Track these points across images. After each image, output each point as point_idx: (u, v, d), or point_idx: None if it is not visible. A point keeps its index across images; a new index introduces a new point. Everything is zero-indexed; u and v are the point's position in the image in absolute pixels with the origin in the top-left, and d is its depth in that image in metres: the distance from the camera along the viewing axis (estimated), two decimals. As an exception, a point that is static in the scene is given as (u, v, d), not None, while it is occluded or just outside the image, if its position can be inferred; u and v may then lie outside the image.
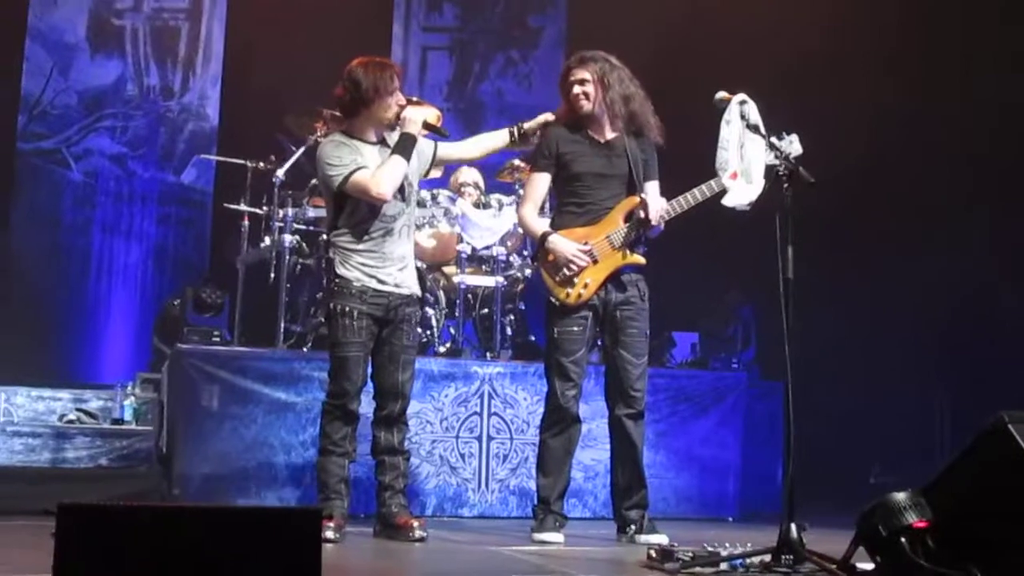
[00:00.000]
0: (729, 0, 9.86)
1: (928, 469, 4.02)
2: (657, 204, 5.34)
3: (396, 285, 5.31)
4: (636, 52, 5.85)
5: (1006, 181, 8.19)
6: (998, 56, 8.28)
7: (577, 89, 5.45)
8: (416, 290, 5.45)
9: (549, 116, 5.62)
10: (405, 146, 5.26)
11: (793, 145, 4.93)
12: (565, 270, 5.35)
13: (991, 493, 3.77)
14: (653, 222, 5.32)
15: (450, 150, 5.78)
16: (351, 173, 5.16)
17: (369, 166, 5.20)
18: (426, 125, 5.36)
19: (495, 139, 5.84)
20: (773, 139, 4.80)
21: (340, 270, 5.27)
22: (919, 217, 8.66)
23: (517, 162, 7.33)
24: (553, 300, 5.40)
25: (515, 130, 5.66)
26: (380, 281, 5.26)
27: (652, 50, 8.25)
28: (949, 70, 8.51)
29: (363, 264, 5.26)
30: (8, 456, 6.50)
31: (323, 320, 5.59)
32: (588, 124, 5.52)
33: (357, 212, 5.27)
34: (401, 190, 5.29)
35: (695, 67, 8.91)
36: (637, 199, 5.41)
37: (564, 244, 5.35)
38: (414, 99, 5.65)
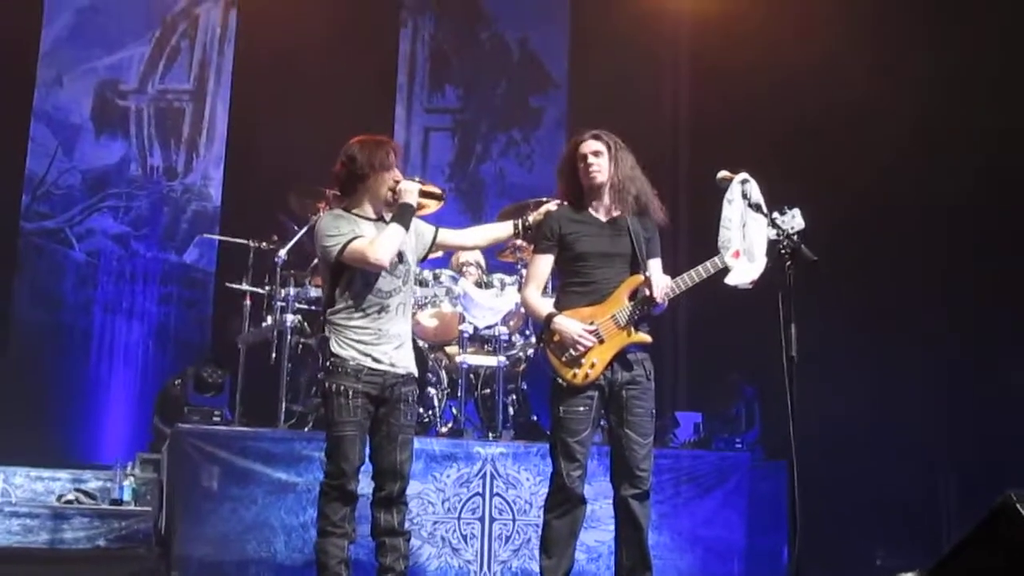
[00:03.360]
0: (726, 77, 9.97)
1: (935, 550, 3.98)
2: (661, 282, 5.33)
3: (392, 364, 5.28)
4: (636, 132, 5.88)
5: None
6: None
7: (592, 160, 5.45)
8: (413, 369, 5.42)
9: (551, 206, 5.63)
10: (403, 215, 5.27)
11: (795, 220, 4.92)
12: (572, 351, 5.32)
13: (999, 573, 3.74)
14: (658, 300, 5.31)
15: (451, 237, 5.80)
16: (349, 242, 5.18)
17: (367, 236, 5.22)
18: (422, 194, 5.40)
19: (498, 231, 5.87)
20: (775, 214, 4.80)
21: (335, 348, 5.25)
22: (922, 291, 8.63)
23: (519, 242, 7.34)
24: (560, 380, 5.37)
25: (519, 224, 5.68)
26: (375, 360, 5.24)
27: (652, 126, 8.33)
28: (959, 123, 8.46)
29: (358, 341, 5.24)
30: (6, 537, 6.46)
31: (322, 400, 5.56)
32: (591, 203, 5.53)
33: (352, 286, 5.27)
34: (397, 266, 5.30)
35: (695, 146, 8.99)
36: (641, 277, 5.39)
37: (570, 325, 5.32)
38: (417, 179, 5.67)
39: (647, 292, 5.34)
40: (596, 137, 5.51)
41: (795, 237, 4.63)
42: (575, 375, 5.32)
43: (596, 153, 5.47)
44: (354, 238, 5.19)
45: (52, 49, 10.06)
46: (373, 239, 5.20)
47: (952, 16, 8.37)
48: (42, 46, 10.00)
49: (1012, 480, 3.88)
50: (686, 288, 5.36)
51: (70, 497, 6.95)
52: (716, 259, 5.20)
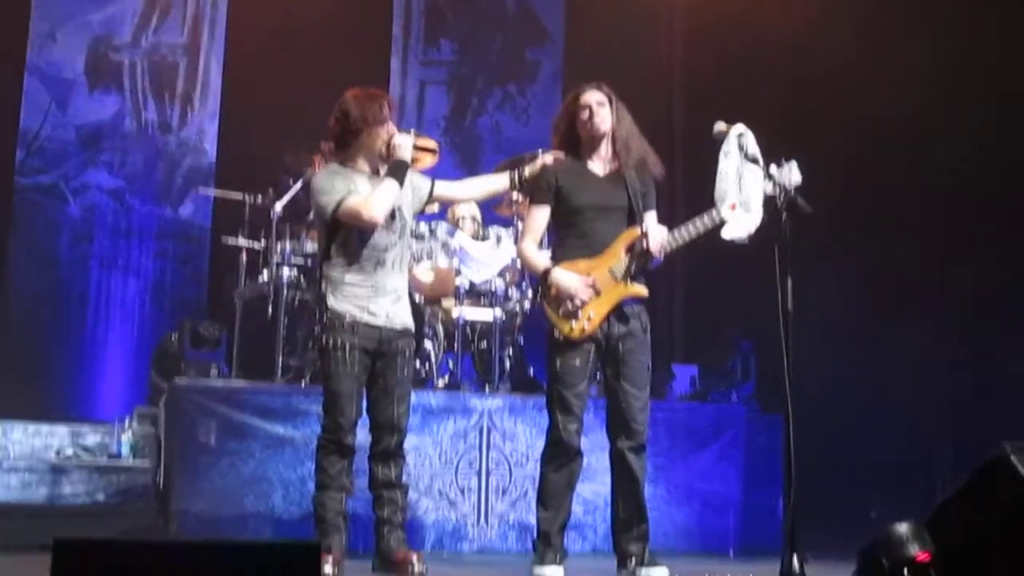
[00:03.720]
0: (722, 31, 9.92)
1: (928, 504, 4.00)
2: (658, 234, 5.32)
3: (388, 318, 5.28)
4: (632, 85, 5.86)
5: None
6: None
7: (596, 109, 5.43)
8: (409, 323, 5.42)
9: (548, 159, 5.59)
10: (397, 171, 5.25)
11: (792, 173, 4.86)
12: (569, 304, 5.32)
13: (994, 524, 3.76)
14: (655, 253, 5.31)
15: (447, 190, 5.77)
16: (343, 199, 5.16)
17: (362, 193, 5.21)
18: (416, 147, 5.39)
19: (494, 183, 5.84)
20: (772, 167, 4.78)
21: (331, 302, 5.25)
22: (928, 248, 8.63)
23: (515, 195, 7.33)
24: (557, 334, 5.37)
25: (516, 176, 5.65)
26: (371, 314, 5.24)
27: (648, 82, 8.30)
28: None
29: (354, 296, 5.24)
30: (4, 492, 6.48)
31: (319, 354, 5.57)
32: (589, 156, 5.51)
33: (348, 242, 5.26)
34: (392, 220, 5.29)
35: (690, 99, 8.96)
36: (639, 231, 5.38)
37: (568, 278, 5.32)
38: (412, 132, 5.65)
39: (644, 245, 5.33)
40: (598, 88, 5.49)
41: (791, 190, 4.60)
42: (572, 328, 5.31)
43: (599, 103, 5.45)
44: (349, 195, 5.18)
45: (44, 3, 10.00)
46: (367, 196, 5.18)
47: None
48: (34, 0, 9.93)
49: (1007, 436, 3.89)
50: (684, 242, 5.34)
51: (68, 452, 6.97)
52: (713, 212, 5.18)
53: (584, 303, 5.28)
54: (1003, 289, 8.06)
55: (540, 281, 5.47)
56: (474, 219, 7.76)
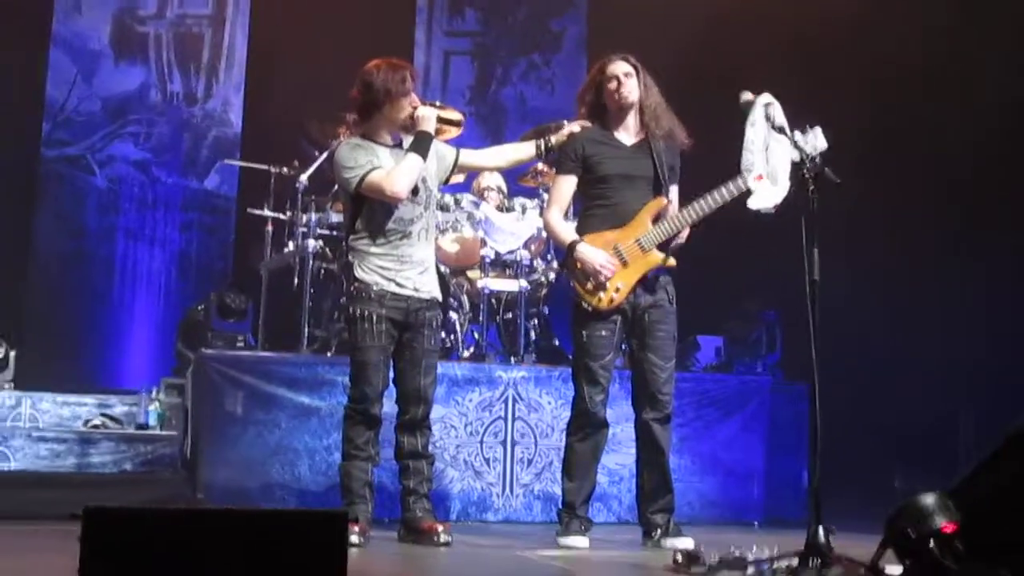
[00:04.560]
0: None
1: (951, 476, 3.98)
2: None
3: (415, 289, 5.29)
4: (657, 54, 5.83)
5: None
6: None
7: (624, 80, 5.41)
8: (436, 294, 5.43)
9: (575, 127, 5.57)
10: (421, 144, 5.23)
11: (818, 139, 4.76)
12: (592, 281, 5.31)
13: (1019, 497, 3.75)
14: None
15: (473, 158, 5.77)
16: (367, 174, 5.16)
17: (385, 167, 5.20)
18: (440, 119, 5.37)
19: (520, 151, 5.83)
20: (796, 134, 4.72)
21: (358, 273, 5.26)
22: (955, 222, 8.58)
23: (541, 166, 7.31)
24: (584, 305, 5.37)
25: (542, 144, 5.63)
26: (399, 285, 5.25)
27: (674, 51, 8.24)
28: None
29: (381, 267, 5.24)
30: (34, 461, 6.52)
31: (345, 324, 5.58)
32: (615, 126, 5.50)
33: (374, 214, 5.26)
34: (417, 193, 5.28)
35: (718, 68, 8.85)
36: (664, 200, 5.37)
37: (592, 254, 5.30)
38: (437, 104, 5.63)
39: (669, 215, 5.34)
40: (624, 59, 5.47)
41: (817, 158, 4.55)
42: (600, 299, 5.32)
43: (627, 74, 5.43)
44: (372, 169, 5.17)
45: (69, -26, 10.01)
46: (391, 171, 5.17)
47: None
48: (59, -29, 9.95)
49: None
50: (710, 211, 5.32)
51: (97, 422, 7.00)
52: (739, 180, 5.16)
53: (608, 279, 5.28)
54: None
55: (566, 255, 5.46)
56: (500, 190, 7.74)
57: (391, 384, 5.33)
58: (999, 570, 3.65)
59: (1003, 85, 8.03)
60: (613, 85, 5.43)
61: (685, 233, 5.43)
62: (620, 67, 5.45)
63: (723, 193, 5.25)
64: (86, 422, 7.03)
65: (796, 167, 4.60)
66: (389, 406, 5.36)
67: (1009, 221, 8.20)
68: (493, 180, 7.72)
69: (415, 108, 5.30)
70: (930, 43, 8.29)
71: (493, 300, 7.32)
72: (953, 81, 8.32)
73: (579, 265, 5.34)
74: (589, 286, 5.32)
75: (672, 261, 5.41)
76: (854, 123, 8.11)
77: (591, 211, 5.50)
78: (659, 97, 5.49)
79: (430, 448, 5.47)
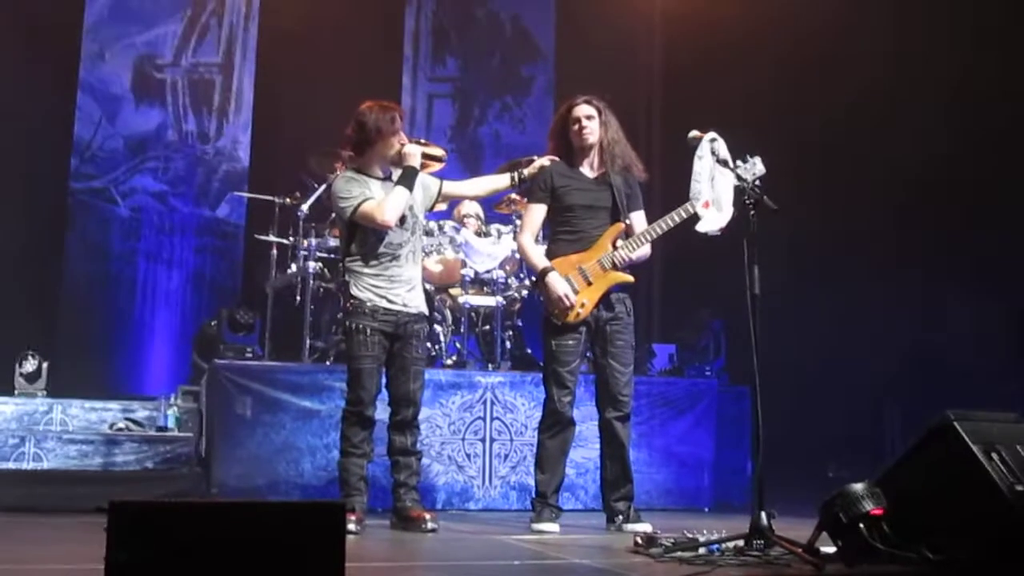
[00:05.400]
0: (697, 46, 9.91)
1: (878, 465, 4.01)
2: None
3: (404, 304, 5.30)
4: (616, 97, 5.85)
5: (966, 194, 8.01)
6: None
7: (586, 123, 5.46)
8: (423, 309, 5.44)
9: (544, 161, 5.63)
10: (408, 177, 5.25)
11: (756, 167, 4.88)
12: (558, 307, 5.33)
13: (939, 483, 3.77)
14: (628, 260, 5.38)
15: (454, 188, 5.80)
16: (360, 204, 5.17)
17: (376, 198, 5.20)
18: (425, 155, 5.41)
19: (497, 182, 5.87)
20: (738, 163, 4.79)
21: (354, 291, 5.26)
22: (882, 233, 8.59)
23: (514, 195, 7.33)
24: (555, 320, 5.39)
25: (516, 176, 5.68)
26: (390, 301, 5.25)
27: (630, 95, 8.28)
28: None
29: (374, 286, 5.25)
30: (64, 461, 6.48)
31: (342, 336, 5.57)
32: (580, 161, 5.54)
33: (367, 239, 5.27)
34: (404, 220, 5.29)
35: (669, 109, 8.92)
36: (622, 225, 5.43)
37: (558, 284, 5.33)
38: (422, 141, 5.66)
39: (626, 239, 5.37)
40: (588, 102, 5.50)
41: (757, 183, 4.62)
42: (568, 315, 5.34)
43: (589, 117, 5.48)
44: (365, 200, 5.18)
45: (94, 26, 9.95)
46: (381, 201, 5.18)
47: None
48: (85, 23, 9.89)
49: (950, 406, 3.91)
50: (662, 233, 5.37)
51: (121, 425, 6.96)
52: (688, 205, 5.20)
53: (572, 304, 5.31)
54: (955, 248, 8.00)
55: (538, 279, 5.48)
56: (478, 217, 7.75)
57: (384, 389, 5.32)
58: (920, 549, 3.67)
59: (939, 98, 7.97)
60: (576, 127, 5.48)
61: (647, 249, 5.45)
62: (583, 110, 5.49)
63: (674, 218, 5.30)
64: (111, 425, 6.98)
65: (739, 193, 4.64)
66: (382, 408, 5.35)
67: (933, 222, 8.17)
68: (472, 208, 7.73)
69: (403, 145, 5.32)
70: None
71: (473, 314, 7.32)
72: (899, 91, 8.28)
73: (547, 292, 5.37)
74: (555, 312, 5.35)
75: (630, 278, 5.45)
76: (793, 137, 8.17)
77: (559, 236, 5.53)
78: (618, 134, 5.52)
79: (418, 445, 5.47)
